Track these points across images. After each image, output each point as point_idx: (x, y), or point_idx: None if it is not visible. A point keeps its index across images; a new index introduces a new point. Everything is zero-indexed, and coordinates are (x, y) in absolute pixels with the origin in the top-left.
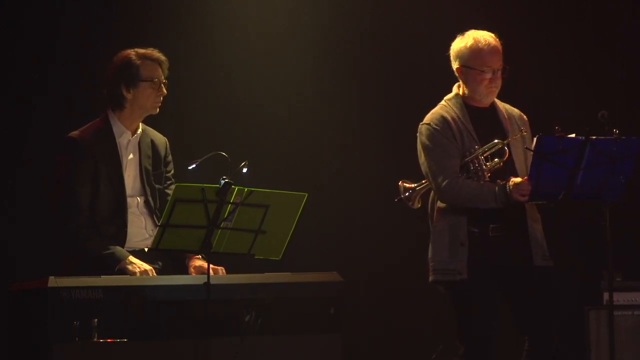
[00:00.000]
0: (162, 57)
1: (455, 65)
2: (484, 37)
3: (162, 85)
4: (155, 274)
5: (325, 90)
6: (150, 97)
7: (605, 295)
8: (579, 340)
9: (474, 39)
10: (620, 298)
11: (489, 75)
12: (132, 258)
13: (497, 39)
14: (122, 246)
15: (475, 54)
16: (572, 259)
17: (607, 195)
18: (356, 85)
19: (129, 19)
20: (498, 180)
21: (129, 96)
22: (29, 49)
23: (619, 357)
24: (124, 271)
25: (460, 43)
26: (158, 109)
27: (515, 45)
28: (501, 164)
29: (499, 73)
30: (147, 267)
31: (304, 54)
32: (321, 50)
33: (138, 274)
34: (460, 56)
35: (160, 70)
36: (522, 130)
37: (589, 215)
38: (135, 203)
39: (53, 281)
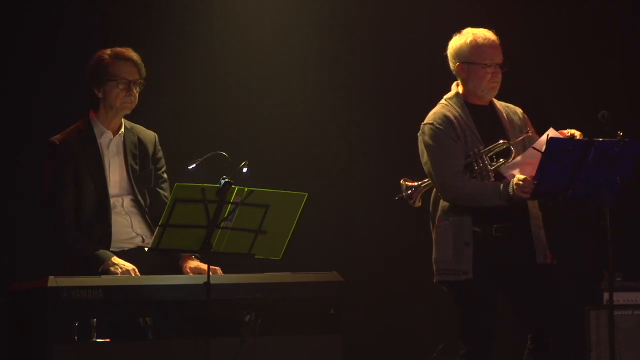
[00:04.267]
0: (135, 56)
1: (455, 63)
2: (482, 32)
3: (132, 84)
4: (138, 273)
5: (325, 90)
6: (118, 97)
7: (605, 295)
8: (579, 340)
9: (472, 34)
10: (620, 298)
11: (491, 69)
12: (115, 259)
13: (494, 34)
14: (108, 246)
15: (475, 49)
16: (572, 259)
17: (602, 197)
18: (356, 85)
19: (130, 19)
20: (505, 180)
21: (100, 95)
22: (29, 48)
23: (619, 357)
24: (107, 272)
25: (459, 40)
26: (130, 109)
27: (516, 46)
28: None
29: (499, 68)
30: (129, 266)
31: (304, 54)
32: (321, 49)
33: (119, 274)
34: (460, 53)
35: (131, 70)
36: (527, 130)
37: (589, 215)
38: (120, 202)
39: (53, 281)
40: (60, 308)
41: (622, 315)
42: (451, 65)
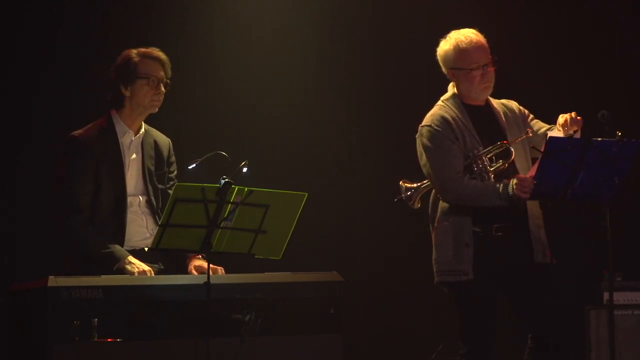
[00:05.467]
0: (163, 56)
1: (444, 69)
2: (465, 35)
3: (161, 83)
4: (153, 274)
5: (326, 91)
6: (147, 95)
7: (605, 295)
8: (579, 340)
9: (455, 39)
10: (620, 298)
11: (479, 72)
12: (131, 258)
13: (480, 34)
14: (122, 245)
15: (459, 54)
16: (572, 259)
17: (601, 196)
18: (356, 85)
19: (130, 19)
20: (505, 180)
21: (127, 94)
22: (29, 49)
23: (619, 357)
24: (122, 271)
25: (444, 46)
26: (157, 108)
27: (515, 46)
28: (506, 165)
29: (489, 67)
30: (145, 267)
31: (304, 54)
32: (321, 50)
33: (136, 274)
34: (447, 59)
35: (159, 68)
36: (527, 130)
37: (589, 215)
38: (137, 202)
39: (53, 281)
40: (60, 308)
41: (622, 315)
42: (443, 69)
